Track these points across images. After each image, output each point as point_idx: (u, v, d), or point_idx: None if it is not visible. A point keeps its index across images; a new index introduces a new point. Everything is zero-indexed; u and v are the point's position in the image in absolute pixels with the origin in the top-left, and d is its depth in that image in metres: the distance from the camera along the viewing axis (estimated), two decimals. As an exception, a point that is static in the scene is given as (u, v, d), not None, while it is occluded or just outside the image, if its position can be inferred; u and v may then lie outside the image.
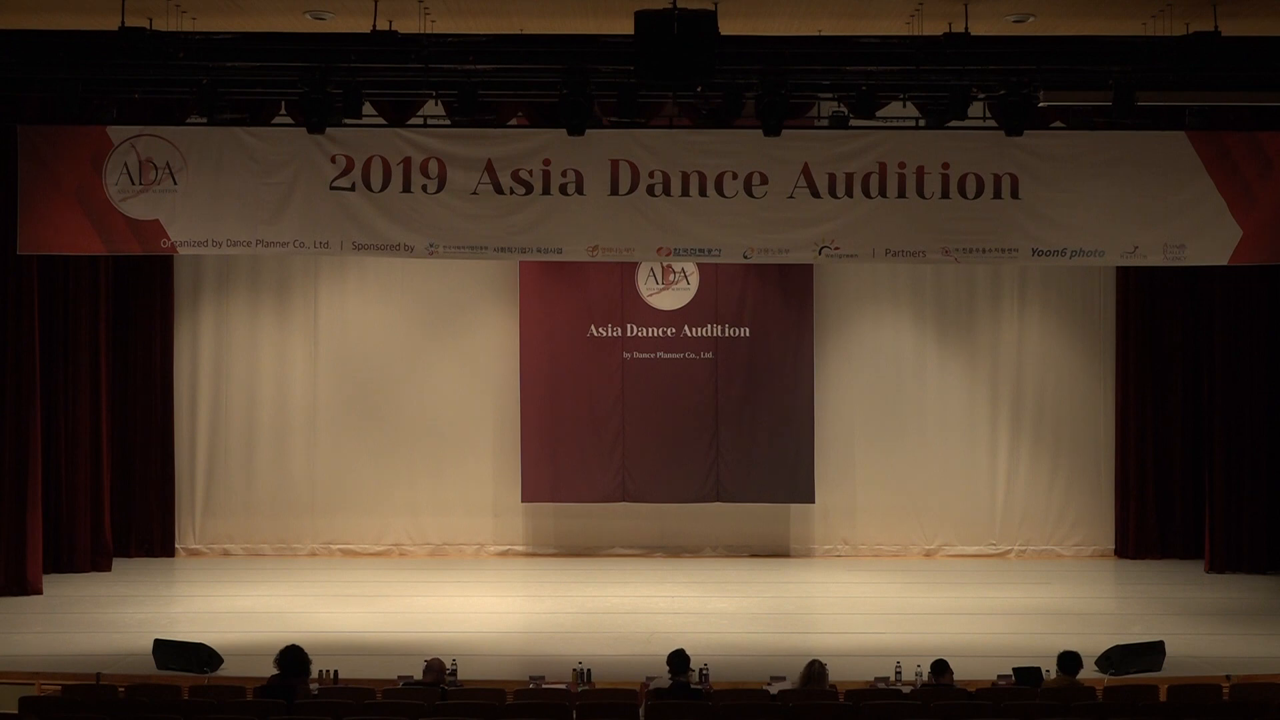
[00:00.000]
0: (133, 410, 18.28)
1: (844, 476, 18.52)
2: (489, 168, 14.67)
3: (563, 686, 11.48)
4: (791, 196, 14.68)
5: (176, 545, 18.47)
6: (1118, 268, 17.82)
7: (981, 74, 13.57)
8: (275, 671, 10.73)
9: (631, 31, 11.34)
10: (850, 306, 18.59)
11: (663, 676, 11.07)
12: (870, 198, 14.67)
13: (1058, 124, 14.74)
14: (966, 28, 12.42)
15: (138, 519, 18.30)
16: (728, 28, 11.85)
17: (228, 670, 12.60)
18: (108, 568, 17.44)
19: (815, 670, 11.04)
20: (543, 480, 18.21)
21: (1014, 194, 14.66)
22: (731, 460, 18.13)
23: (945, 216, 14.66)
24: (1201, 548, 17.78)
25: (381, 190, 14.66)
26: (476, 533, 18.59)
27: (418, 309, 18.61)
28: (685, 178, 14.70)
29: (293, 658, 10.74)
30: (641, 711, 10.65)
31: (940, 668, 11.24)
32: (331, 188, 14.66)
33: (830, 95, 14.39)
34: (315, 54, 13.44)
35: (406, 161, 14.65)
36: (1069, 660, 11.28)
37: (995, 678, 11.65)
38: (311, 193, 14.66)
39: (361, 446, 18.54)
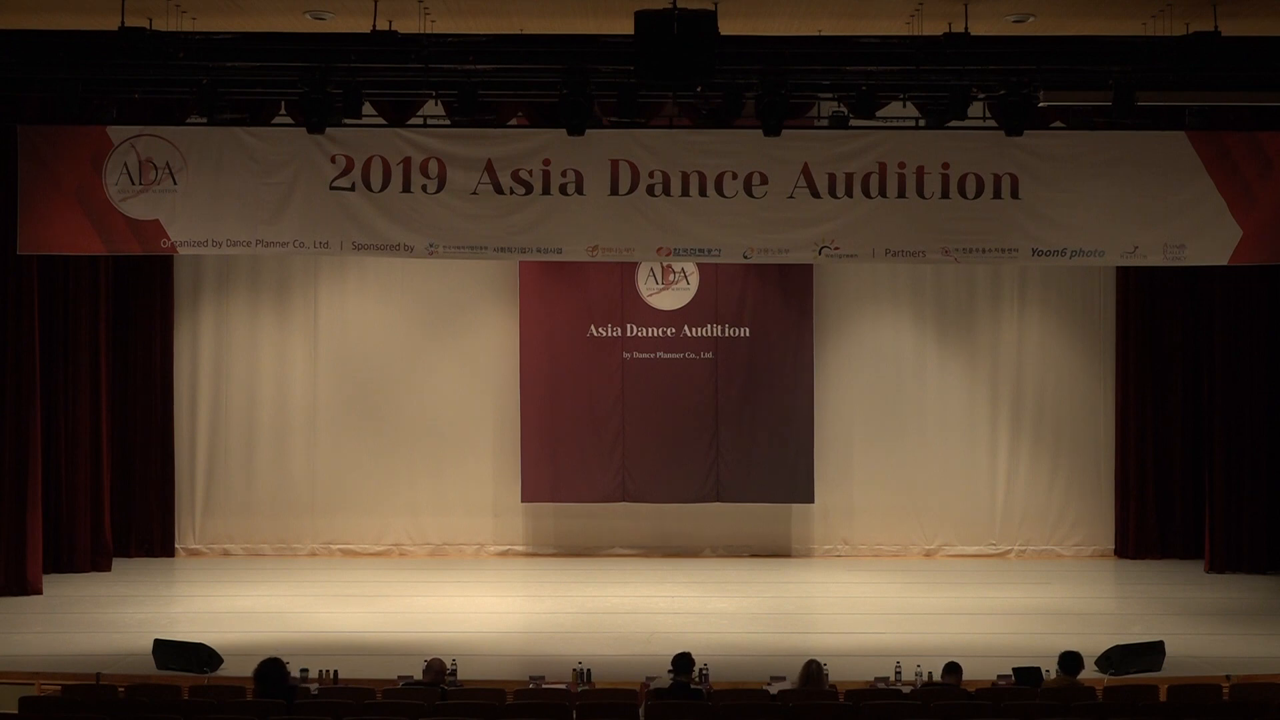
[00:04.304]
0: (133, 410, 18.28)
1: (844, 476, 18.51)
2: (489, 168, 14.67)
3: (563, 686, 11.48)
4: (791, 196, 14.68)
5: (176, 545, 18.47)
6: (1118, 268, 17.82)
7: (981, 74, 13.57)
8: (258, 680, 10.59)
9: (631, 31, 11.34)
10: (850, 306, 18.58)
11: (663, 676, 11.07)
12: (870, 198, 14.66)
13: (1058, 124, 14.73)
14: (966, 28, 12.42)
15: (138, 519, 18.30)
16: (728, 28, 11.85)
17: (228, 670, 12.59)
18: (108, 568, 17.44)
19: (813, 670, 11.05)
20: (543, 480, 18.21)
21: (1014, 194, 14.65)
22: (731, 460, 18.13)
23: (945, 216, 14.66)
24: (1201, 548, 17.78)
25: (381, 190, 14.66)
26: (476, 533, 18.58)
27: (418, 309, 18.60)
28: (685, 178, 14.69)
29: (267, 670, 10.56)
30: (641, 711, 10.65)
31: (951, 669, 11.23)
32: (331, 188, 14.66)
33: (830, 95, 14.38)
34: (315, 54, 13.44)
35: (406, 161, 14.65)
36: (1070, 660, 11.28)
37: (995, 678, 11.64)
38: (311, 193, 14.66)
39: (361, 446, 18.54)
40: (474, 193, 14.67)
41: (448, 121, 14.70)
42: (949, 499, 18.53)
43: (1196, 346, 18.07)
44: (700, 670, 11.38)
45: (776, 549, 18.51)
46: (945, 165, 14.63)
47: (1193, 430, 18.17)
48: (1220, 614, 15.47)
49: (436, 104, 14.52)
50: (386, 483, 18.52)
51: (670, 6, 11.09)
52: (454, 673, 11.58)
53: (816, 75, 13.87)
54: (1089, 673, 11.98)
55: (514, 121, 15.15)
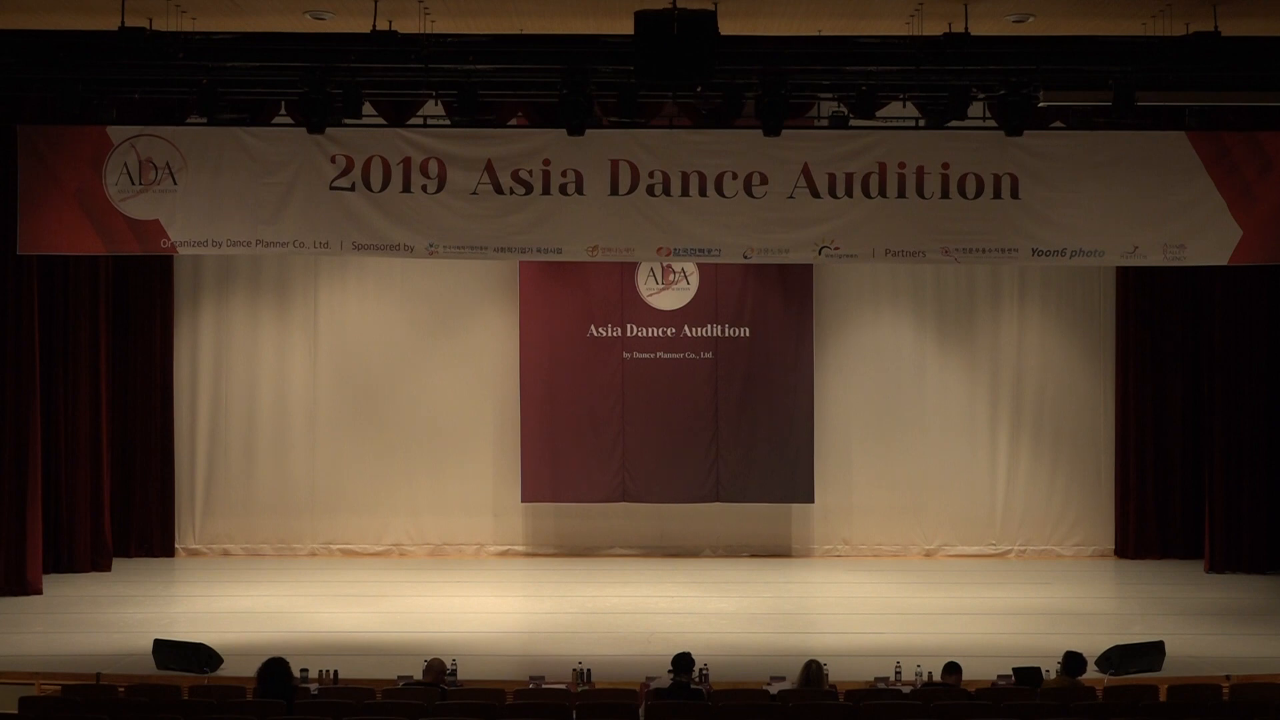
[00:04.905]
0: (133, 410, 18.28)
1: (843, 476, 18.52)
2: (489, 168, 14.66)
3: (563, 686, 11.49)
4: (791, 196, 14.67)
5: (176, 545, 18.47)
6: (1118, 268, 17.82)
7: (981, 74, 13.57)
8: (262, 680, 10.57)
9: (631, 31, 11.35)
10: (850, 306, 18.59)
11: (663, 676, 11.07)
12: (870, 198, 14.66)
13: (1058, 124, 14.73)
14: (966, 28, 12.43)
15: (138, 519, 18.30)
16: (727, 28, 11.85)
17: (228, 670, 12.60)
18: (108, 568, 17.44)
19: (813, 671, 11.06)
20: (543, 480, 18.21)
21: (1014, 194, 14.65)
22: (731, 460, 18.13)
23: (945, 216, 14.65)
24: (1201, 548, 17.78)
25: (381, 190, 14.65)
26: (476, 533, 18.59)
27: (418, 309, 18.60)
28: (685, 178, 14.69)
29: (272, 670, 10.54)
30: (641, 711, 10.64)
31: (951, 669, 11.23)
32: (331, 188, 14.65)
33: (830, 95, 14.39)
34: (315, 54, 13.43)
35: (406, 161, 14.64)
36: (1073, 661, 11.29)
37: (995, 678, 11.64)
38: (311, 193, 14.65)
39: (361, 446, 18.54)
40: (474, 193, 14.66)
41: (448, 121, 14.70)
42: (949, 499, 18.53)
43: (1196, 346, 18.07)
44: (700, 670, 11.38)
45: (776, 549, 18.51)
46: (945, 165, 14.62)
47: (1192, 430, 18.18)
48: (1220, 614, 15.48)
49: (436, 104, 14.52)
50: (386, 483, 18.52)
51: (670, 6, 11.09)
52: (454, 673, 11.58)
53: (816, 75, 13.88)
54: (1089, 673, 11.98)
55: (514, 121, 15.15)
